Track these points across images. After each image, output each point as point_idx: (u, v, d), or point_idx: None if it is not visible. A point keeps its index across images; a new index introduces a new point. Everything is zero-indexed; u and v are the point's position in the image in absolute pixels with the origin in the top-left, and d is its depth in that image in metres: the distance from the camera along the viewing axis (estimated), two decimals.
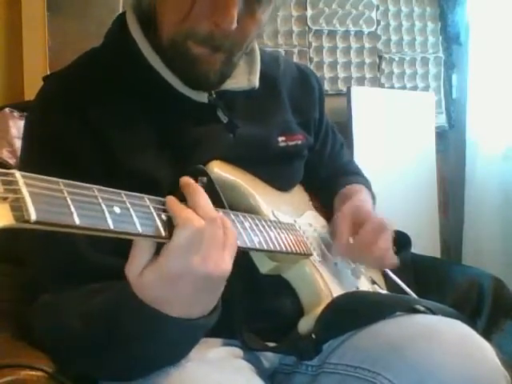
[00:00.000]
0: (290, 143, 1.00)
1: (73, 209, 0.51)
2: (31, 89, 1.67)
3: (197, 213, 0.63)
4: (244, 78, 0.96)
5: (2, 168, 0.48)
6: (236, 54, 0.88)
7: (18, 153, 1.10)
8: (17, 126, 1.35)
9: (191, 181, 0.67)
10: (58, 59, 1.73)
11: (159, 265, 0.62)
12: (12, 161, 1.27)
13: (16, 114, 1.39)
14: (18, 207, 0.46)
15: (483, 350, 0.79)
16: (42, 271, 0.81)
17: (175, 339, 0.70)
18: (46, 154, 0.83)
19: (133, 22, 0.90)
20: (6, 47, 1.77)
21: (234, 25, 0.81)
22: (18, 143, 1.26)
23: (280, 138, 0.99)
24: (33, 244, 0.81)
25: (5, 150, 1.29)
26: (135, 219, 0.58)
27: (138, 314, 0.66)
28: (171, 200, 0.64)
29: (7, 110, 1.40)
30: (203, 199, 0.66)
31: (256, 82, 0.96)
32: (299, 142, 1.02)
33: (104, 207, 0.55)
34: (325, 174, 1.16)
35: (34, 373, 0.74)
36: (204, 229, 0.63)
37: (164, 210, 0.63)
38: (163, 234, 0.61)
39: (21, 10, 1.74)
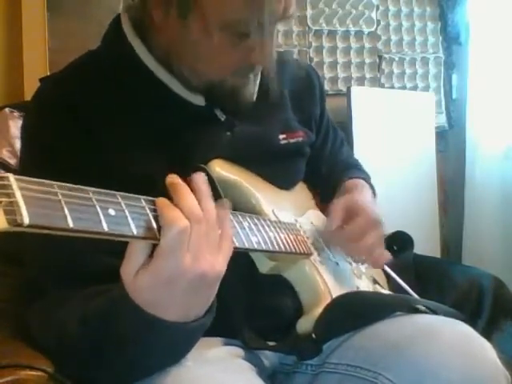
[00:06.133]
0: (291, 141, 1.01)
1: (67, 212, 0.51)
2: (31, 89, 1.65)
3: (182, 212, 0.62)
4: None
5: (3, 168, 0.48)
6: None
7: (18, 153, 1.10)
8: (17, 126, 1.35)
9: (176, 180, 0.65)
10: (58, 59, 1.72)
11: (153, 267, 0.61)
12: (12, 161, 1.27)
13: (16, 113, 1.39)
14: (11, 211, 0.46)
15: (484, 349, 0.79)
16: (42, 271, 0.81)
17: (172, 343, 0.69)
18: (43, 155, 0.84)
19: (127, 26, 0.90)
20: (6, 47, 1.77)
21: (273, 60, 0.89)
22: (18, 143, 1.26)
23: (281, 136, 1.00)
24: (32, 244, 0.81)
25: (5, 150, 1.29)
26: (130, 221, 0.57)
27: (134, 319, 0.65)
28: (160, 200, 0.63)
29: (7, 110, 1.40)
30: (187, 198, 0.63)
31: (253, 95, 0.95)
32: (300, 140, 1.03)
33: (99, 209, 0.54)
34: (325, 170, 1.16)
35: (34, 373, 0.74)
36: (189, 228, 0.61)
37: None
38: (158, 235, 0.60)
39: (21, 10, 1.74)
